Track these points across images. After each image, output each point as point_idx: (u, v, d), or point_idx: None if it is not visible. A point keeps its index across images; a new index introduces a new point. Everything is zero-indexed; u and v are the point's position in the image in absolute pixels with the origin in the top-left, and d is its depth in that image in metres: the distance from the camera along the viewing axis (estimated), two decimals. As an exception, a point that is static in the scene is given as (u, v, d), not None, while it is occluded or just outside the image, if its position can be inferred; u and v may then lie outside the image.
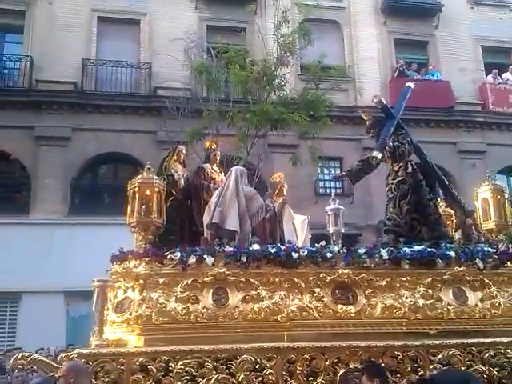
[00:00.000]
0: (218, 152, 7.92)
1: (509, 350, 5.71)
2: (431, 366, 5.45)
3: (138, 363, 5.08)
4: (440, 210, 7.86)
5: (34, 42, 15.57)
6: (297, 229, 8.02)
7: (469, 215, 7.91)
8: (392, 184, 7.07)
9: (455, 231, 7.87)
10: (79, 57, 15.46)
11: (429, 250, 6.14)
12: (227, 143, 12.71)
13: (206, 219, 6.75)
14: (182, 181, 7.33)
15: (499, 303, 6.04)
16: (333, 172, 16.61)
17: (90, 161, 15.04)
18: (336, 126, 14.46)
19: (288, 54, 13.27)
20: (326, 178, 16.61)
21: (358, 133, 16.62)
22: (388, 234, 6.90)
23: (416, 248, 6.16)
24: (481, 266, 6.17)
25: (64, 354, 5.16)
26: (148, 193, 6.03)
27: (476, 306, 6.00)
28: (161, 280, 5.59)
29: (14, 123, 14.30)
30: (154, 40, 16.11)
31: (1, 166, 15.06)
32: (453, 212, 8.10)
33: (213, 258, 5.70)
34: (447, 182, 7.97)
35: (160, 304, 5.44)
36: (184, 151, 7.84)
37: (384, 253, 5.99)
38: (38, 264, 12.65)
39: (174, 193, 7.18)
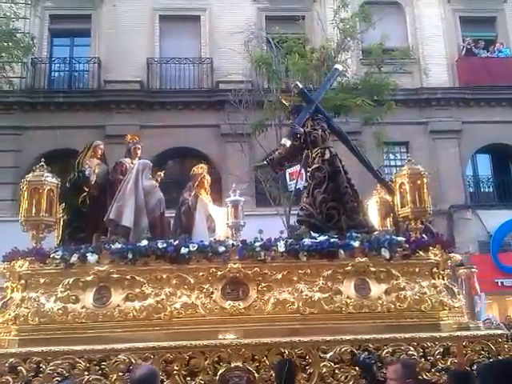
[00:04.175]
0: (139, 146, 7.61)
1: (411, 347, 5.21)
2: (321, 364, 5.07)
3: (7, 364, 4.95)
4: (378, 196, 7.27)
5: (100, 44, 16.19)
6: (215, 222, 7.52)
7: None
8: (308, 172, 6.61)
9: (384, 219, 7.23)
10: (144, 56, 15.92)
11: (331, 240, 5.71)
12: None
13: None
14: (94, 177, 6.97)
15: (405, 296, 5.53)
16: (399, 157, 16.28)
17: (158, 156, 15.47)
18: (401, 109, 14.08)
19: (349, 38, 13.08)
20: (392, 163, 16.27)
21: (425, 116, 16.22)
22: (301, 225, 6.42)
23: (319, 239, 5.74)
24: (387, 255, 5.67)
25: None
26: (39, 191, 5.89)
27: (379, 298, 5.53)
28: (42, 280, 5.48)
29: (85, 123, 14.90)
30: (214, 34, 16.30)
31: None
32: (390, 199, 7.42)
33: (96, 256, 5.53)
34: (375, 168, 7.39)
35: (38, 304, 5.33)
36: (102, 146, 7.47)
37: (281, 245, 5.64)
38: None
39: (86, 189, 6.92)
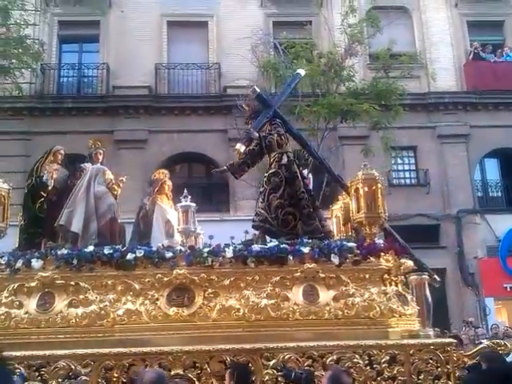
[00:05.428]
0: (101, 151, 7.54)
1: (356, 355, 5.10)
2: (264, 372, 4.97)
3: None
4: (342, 202, 7.13)
5: (109, 50, 16.29)
6: (174, 227, 7.37)
7: None
8: (265, 177, 6.54)
9: (343, 224, 7.12)
10: (152, 61, 16.00)
11: (281, 246, 5.65)
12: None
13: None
14: (51, 181, 6.93)
15: (353, 302, 5.44)
16: (406, 162, 16.26)
17: (166, 161, 15.55)
18: (409, 114, 14.09)
19: (356, 43, 13.11)
20: (400, 168, 16.27)
21: (433, 120, 16.20)
22: (257, 231, 6.36)
23: (269, 245, 5.71)
24: (336, 261, 5.60)
25: None
26: None
27: (327, 305, 5.45)
28: None
29: (94, 128, 14.91)
30: (221, 40, 16.38)
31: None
32: None
33: (41, 262, 5.53)
34: (336, 173, 7.36)
35: None
36: (62, 151, 7.42)
37: (229, 251, 5.59)
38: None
39: (44, 194, 6.88)
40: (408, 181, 16.37)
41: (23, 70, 13.78)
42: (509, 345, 5.67)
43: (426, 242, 14.94)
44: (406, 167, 16.29)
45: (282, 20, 16.40)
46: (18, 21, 13.29)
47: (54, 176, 7.00)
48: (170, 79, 16.13)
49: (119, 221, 7.50)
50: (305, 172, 12.11)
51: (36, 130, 15.08)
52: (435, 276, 7.04)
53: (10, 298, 5.43)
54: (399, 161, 16.09)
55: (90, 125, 14.99)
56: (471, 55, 16.79)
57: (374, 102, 12.37)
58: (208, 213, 14.05)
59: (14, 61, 13.21)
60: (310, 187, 12.37)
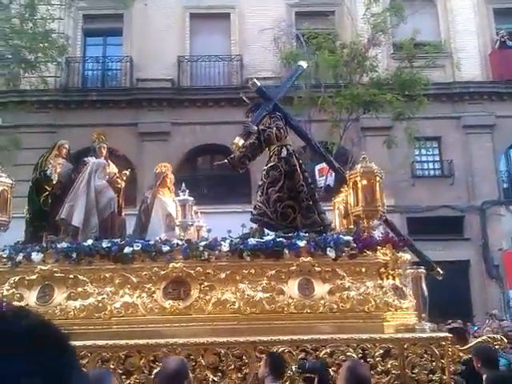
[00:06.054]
0: (105, 145, 7.52)
1: (350, 349, 5.04)
2: (258, 364, 4.89)
3: None
4: (345, 194, 6.92)
5: (132, 43, 16.47)
6: (174, 220, 7.25)
7: None
8: (264, 170, 6.48)
9: (344, 217, 6.99)
10: (174, 54, 16.12)
11: (277, 240, 5.61)
12: (320, 129, 12.74)
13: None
14: (55, 175, 6.97)
15: (348, 296, 5.40)
16: (430, 153, 16.10)
17: (189, 153, 15.69)
18: (433, 104, 13.95)
19: (380, 33, 12.99)
20: (424, 159, 16.11)
21: (458, 110, 15.98)
22: (255, 224, 6.31)
23: (265, 238, 5.68)
24: (332, 255, 5.55)
25: None
26: None
27: (322, 298, 5.41)
28: None
29: (118, 121, 15.14)
30: (243, 32, 16.39)
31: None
32: None
33: (41, 255, 5.61)
34: (337, 165, 7.28)
35: None
36: (67, 145, 7.44)
37: (225, 245, 5.59)
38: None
39: (49, 188, 6.95)
40: (432, 172, 16.23)
41: (48, 63, 14.00)
42: (505, 340, 5.59)
43: (451, 233, 14.85)
44: (430, 158, 16.16)
45: (304, 10, 16.32)
46: (44, 15, 13.49)
47: (58, 170, 7.06)
48: (192, 71, 16.23)
49: (126, 213, 7.60)
50: (324, 165, 12.17)
51: (61, 122, 15.32)
52: (438, 269, 6.99)
53: (11, 291, 5.54)
54: (423, 152, 15.95)
55: (115, 117, 15.17)
56: (497, 44, 16.51)
57: (397, 93, 12.27)
58: (230, 204, 14.17)
59: (39, 55, 13.43)
60: (332, 178, 12.46)
